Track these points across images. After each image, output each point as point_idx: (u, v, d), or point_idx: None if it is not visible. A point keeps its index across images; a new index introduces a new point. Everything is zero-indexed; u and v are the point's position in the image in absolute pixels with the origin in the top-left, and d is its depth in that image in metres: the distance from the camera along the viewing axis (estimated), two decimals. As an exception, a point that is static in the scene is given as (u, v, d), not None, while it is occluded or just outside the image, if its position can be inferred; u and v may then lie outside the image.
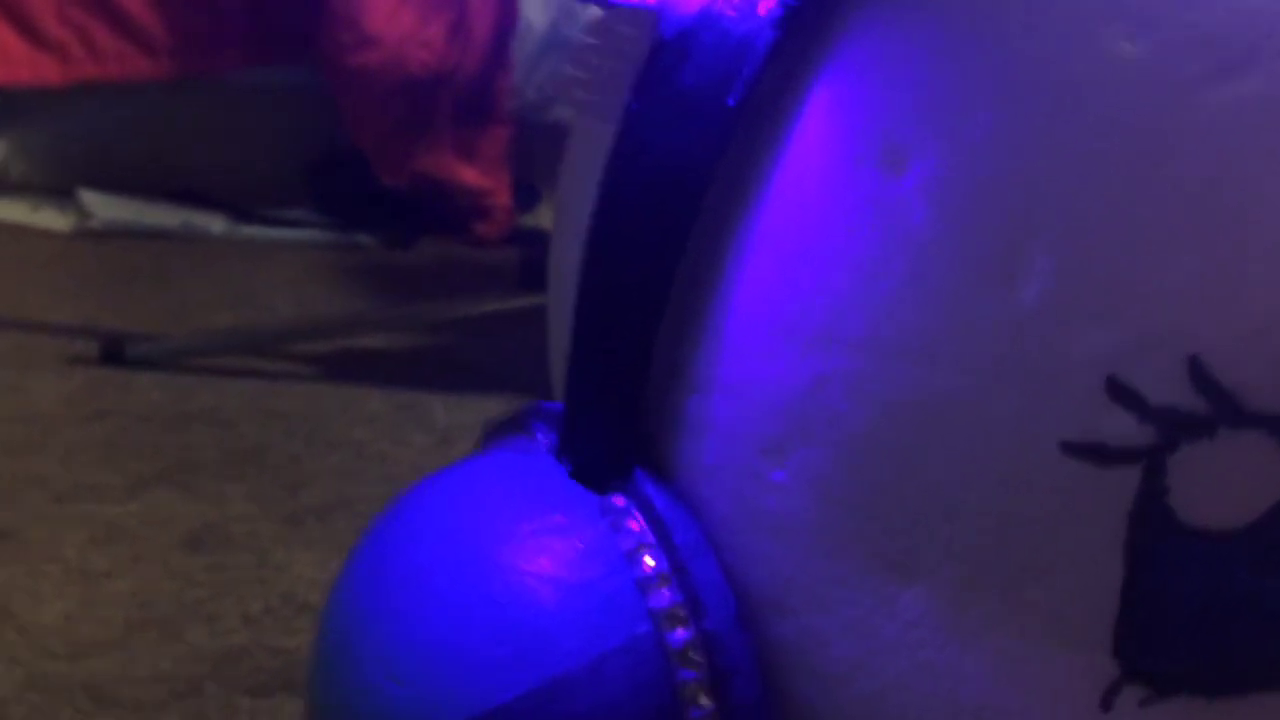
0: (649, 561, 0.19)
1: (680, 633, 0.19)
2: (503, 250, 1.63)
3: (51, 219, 1.44)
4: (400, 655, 0.19)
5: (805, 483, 0.19)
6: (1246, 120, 0.16)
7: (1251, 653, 0.17)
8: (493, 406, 0.97)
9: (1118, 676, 0.17)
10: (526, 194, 1.83)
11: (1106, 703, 0.17)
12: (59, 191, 1.52)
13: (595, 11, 0.20)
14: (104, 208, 1.51)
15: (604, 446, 0.21)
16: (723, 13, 0.18)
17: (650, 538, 0.20)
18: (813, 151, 0.18)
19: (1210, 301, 0.16)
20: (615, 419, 0.20)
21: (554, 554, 0.19)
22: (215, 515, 0.72)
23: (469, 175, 1.73)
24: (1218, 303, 0.16)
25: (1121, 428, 0.17)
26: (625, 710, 0.19)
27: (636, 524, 0.20)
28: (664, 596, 0.19)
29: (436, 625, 0.19)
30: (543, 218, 1.82)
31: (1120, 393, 0.17)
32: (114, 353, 0.94)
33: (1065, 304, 0.17)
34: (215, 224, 1.56)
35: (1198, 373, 0.16)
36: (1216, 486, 0.17)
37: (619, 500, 0.20)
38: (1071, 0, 0.17)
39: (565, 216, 0.22)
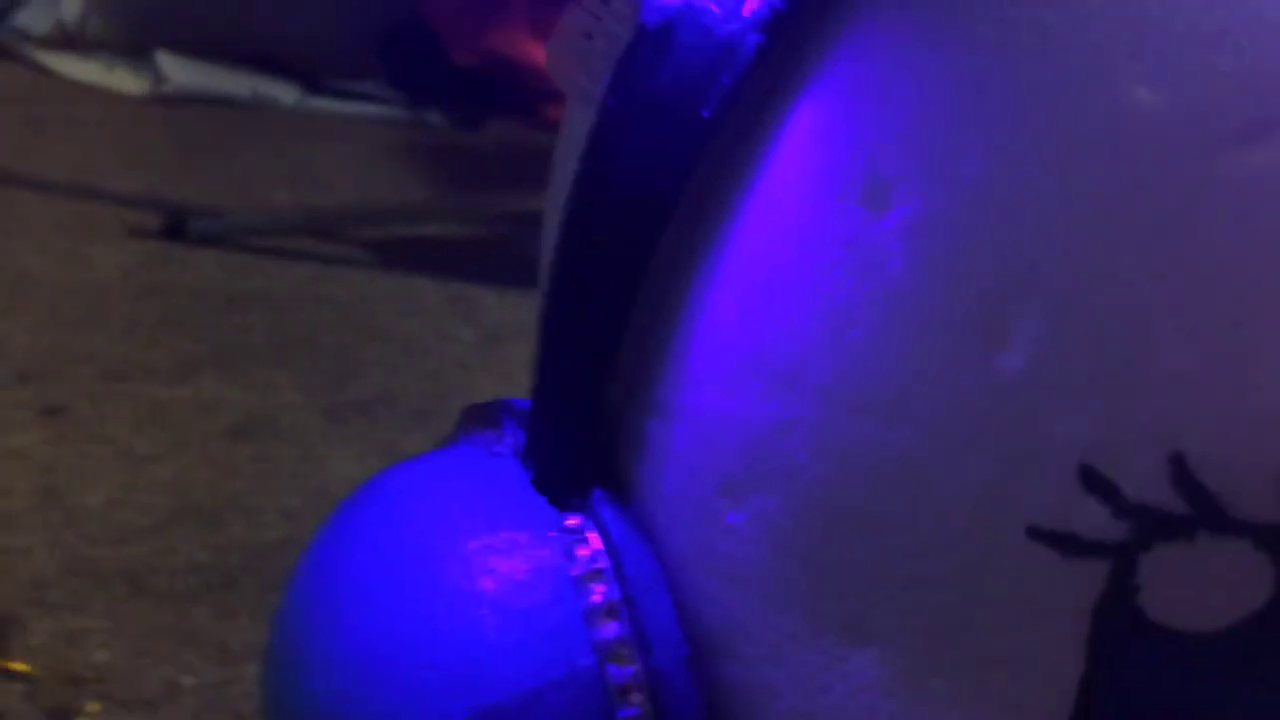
0: (598, 590, 0.19)
1: (624, 669, 0.18)
2: (572, 134, 1.61)
3: (125, 80, 1.45)
4: (340, 668, 0.19)
5: (760, 530, 0.18)
6: (1271, 194, 0.14)
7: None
8: (545, 303, 0.96)
9: (1071, 769, 0.16)
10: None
11: (1058, 793, 0.17)
12: (133, 52, 1.52)
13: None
14: (179, 72, 1.51)
15: (564, 459, 0.20)
16: (706, 7, 0.17)
17: (603, 564, 0.19)
18: (790, 177, 0.17)
19: (1205, 396, 0.15)
20: (576, 431, 0.19)
21: (499, 575, 0.19)
22: (261, 404, 0.73)
23: (542, 55, 1.69)
24: (1213, 398, 0.15)
25: (1094, 519, 0.15)
26: None
27: (589, 549, 0.19)
28: (611, 629, 0.18)
29: (375, 642, 0.19)
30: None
31: (1096, 483, 0.15)
32: (176, 227, 0.95)
33: (1048, 378, 0.15)
34: (286, 94, 1.56)
35: (1181, 472, 0.15)
36: (1192, 588, 0.15)
37: (574, 520, 0.19)
38: (1089, 36, 0.15)
39: (551, 208, 0.21)
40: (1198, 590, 0.15)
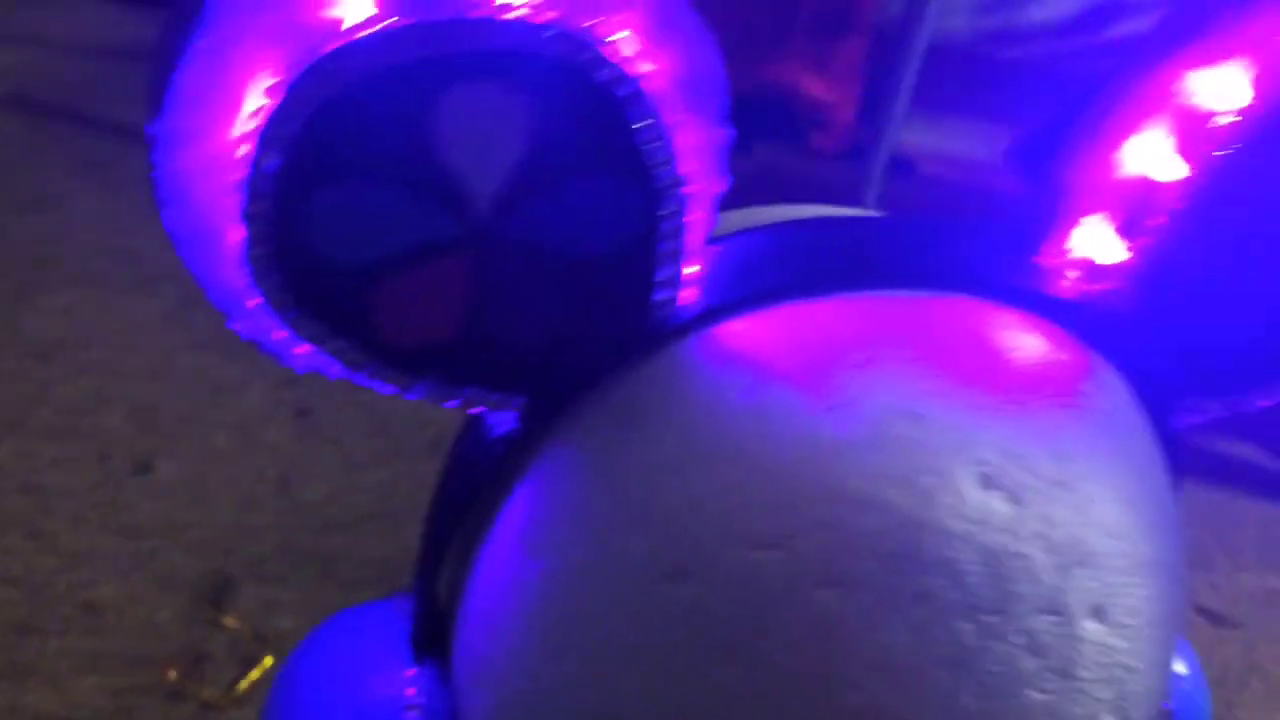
0: (413, 715, 0.32)
1: None
2: (837, 164, 1.69)
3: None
4: None
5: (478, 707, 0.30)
6: (684, 619, 0.25)
7: None
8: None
9: None
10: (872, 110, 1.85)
11: None
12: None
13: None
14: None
15: (417, 631, 0.33)
16: (486, 421, 0.29)
17: (420, 701, 0.32)
18: (508, 523, 0.29)
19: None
20: (422, 615, 0.32)
21: (370, 695, 0.32)
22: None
23: (816, 87, 1.77)
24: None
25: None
26: None
27: (414, 691, 0.32)
28: None
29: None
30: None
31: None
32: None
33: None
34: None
35: None
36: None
37: (412, 671, 0.32)
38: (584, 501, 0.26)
39: None
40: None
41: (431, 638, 0.32)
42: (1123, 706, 0.27)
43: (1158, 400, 0.31)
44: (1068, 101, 0.31)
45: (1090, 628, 0.26)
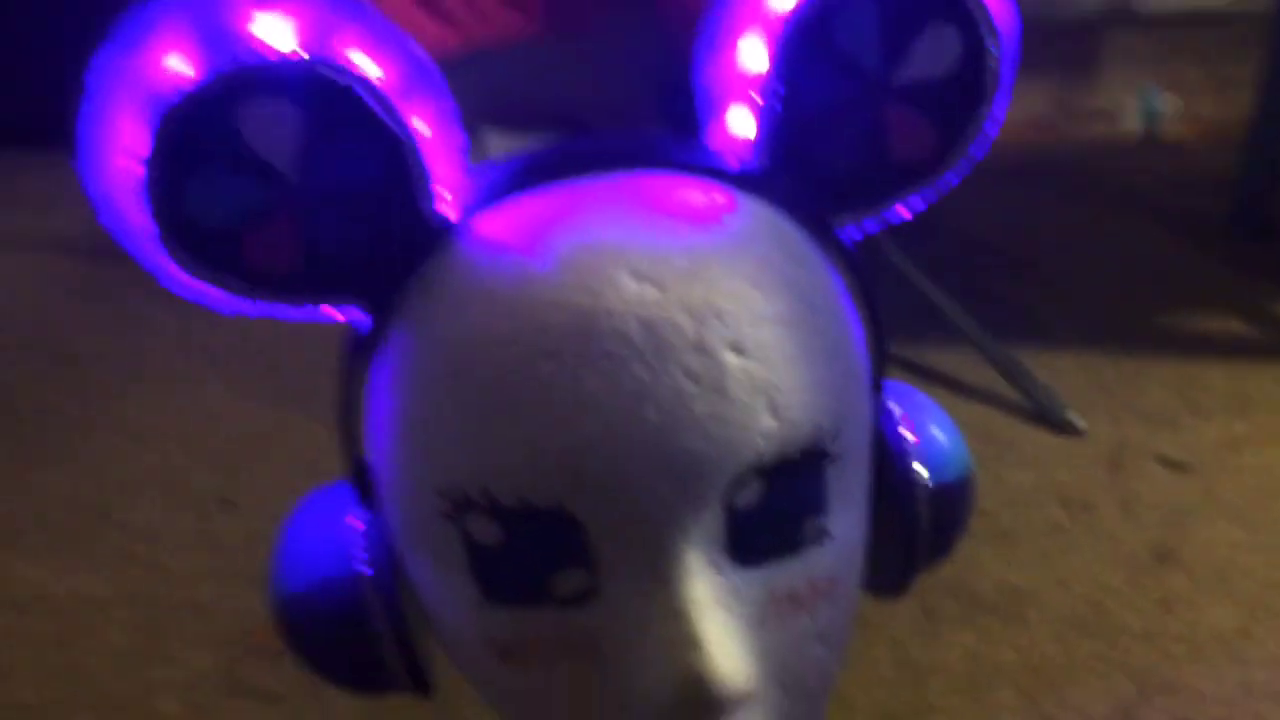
0: (359, 537, 0.46)
1: (366, 568, 0.45)
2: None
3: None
4: (280, 557, 0.47)
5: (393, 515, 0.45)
6: (473, 399, 0.39)
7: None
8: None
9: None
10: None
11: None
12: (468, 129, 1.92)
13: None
14: (496, 148, 1.88)
15: (353, 484, 0.47)
16: (352, 324, 0.44)
17: (360, 528, 0.46)
18: (379, 381, 0.44)
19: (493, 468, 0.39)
20: (351, 468, 0.47)
21: (336, 533, 0.46)
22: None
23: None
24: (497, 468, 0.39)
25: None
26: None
27: (358, 523, 0.46)
28: (360, 554, 0.45)
29: (292, 552, 0.47)
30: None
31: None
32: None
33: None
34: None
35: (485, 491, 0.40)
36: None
37: (360, 510, 0.47)
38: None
39: None
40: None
41: (361, 484, 0.47)
42: (776, 408, 0.40)
43: (818, 220, 0.45)
44: (696, 30, 0.45)
45: (731, 358, 0.39)
